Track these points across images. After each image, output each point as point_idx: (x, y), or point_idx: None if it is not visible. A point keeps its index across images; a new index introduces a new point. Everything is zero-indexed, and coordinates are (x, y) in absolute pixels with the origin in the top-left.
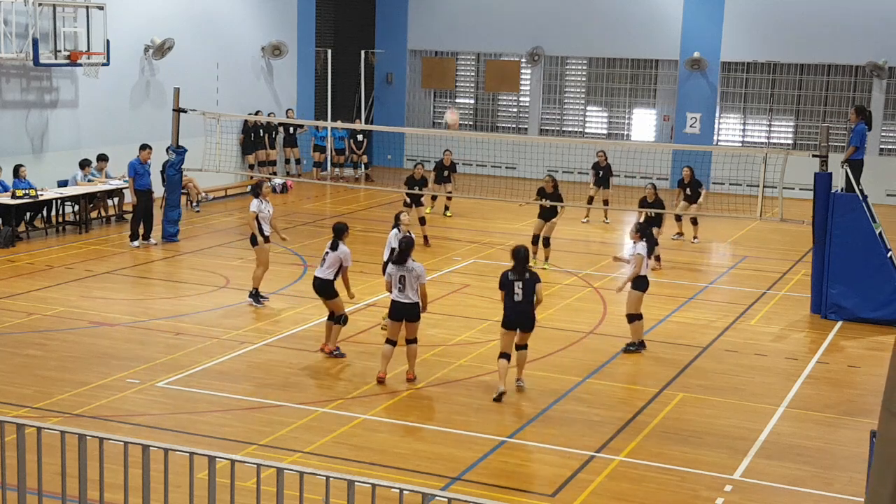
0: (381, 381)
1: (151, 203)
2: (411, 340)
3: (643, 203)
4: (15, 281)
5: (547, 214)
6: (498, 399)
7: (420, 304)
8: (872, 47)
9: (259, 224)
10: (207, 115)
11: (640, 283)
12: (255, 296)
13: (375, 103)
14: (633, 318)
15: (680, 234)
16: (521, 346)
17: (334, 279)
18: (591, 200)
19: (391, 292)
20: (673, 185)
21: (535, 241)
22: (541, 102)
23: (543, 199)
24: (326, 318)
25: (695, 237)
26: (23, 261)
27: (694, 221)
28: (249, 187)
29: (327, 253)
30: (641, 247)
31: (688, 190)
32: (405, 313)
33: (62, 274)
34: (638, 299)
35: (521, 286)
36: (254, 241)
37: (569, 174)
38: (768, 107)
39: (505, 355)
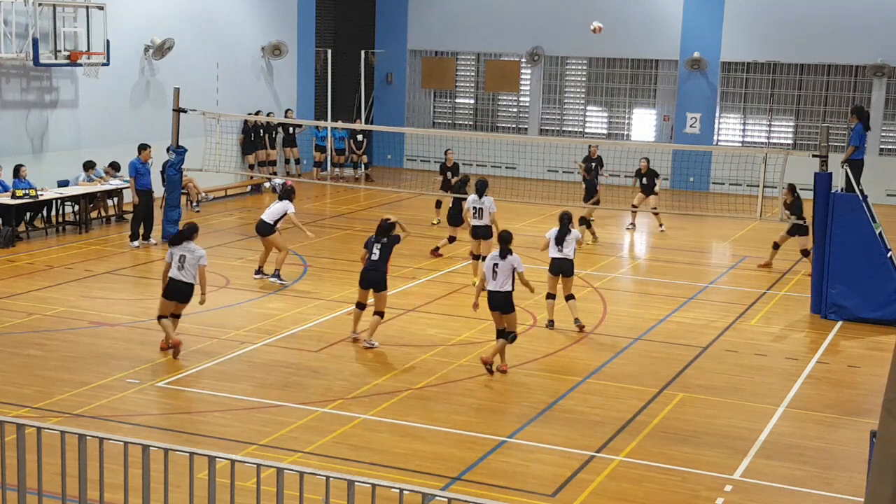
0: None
1: (152, 203)
2: (502, 332)
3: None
4: (15, 281)
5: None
6: (353, 340)
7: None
8: (872, 47)
9: (279, 218)
10: (207, 115)
11: (550, 264)
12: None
13: (375, 103)
14: (548, 295)
15: (633, 224)
16: (378, 312)
17: (513, 290)
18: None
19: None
20: (673, 185)
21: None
22: (541, 102)
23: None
24: (497, 336)
25: (660, 225)
26: (23, 261)
27: (654, 212)
28: (280, 189)
29: (496, 265)
30: (550, 231)
31: (644, 180)
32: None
33: (62, 274)
34: (549, 279)
35: (378, 247)
36: (270, 232)
37: (569, 174)
38: (768, 107)
39: (360, 305)
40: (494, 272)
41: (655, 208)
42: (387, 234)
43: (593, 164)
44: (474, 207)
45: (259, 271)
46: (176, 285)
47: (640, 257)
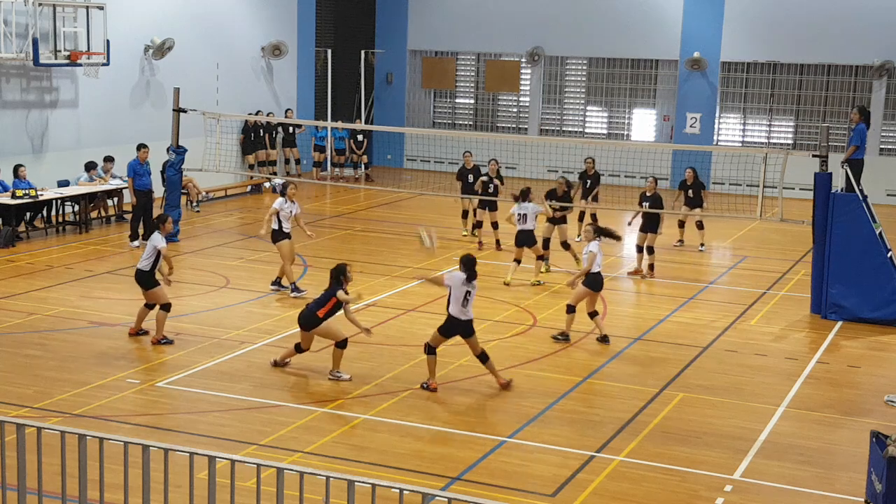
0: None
1: (151, 203)
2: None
3: (642, 198)
4: (15, 281)
5: (557, 219)
6: (273, 365)
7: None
8: (872, 47)
9: (279, 220)
10: (207, 115)
11: (591, 280)
12: (295, 289)
13: (375, 103)
14: (570, 308)
15: (681, 241)
16: (338, 345)
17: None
18: (581, 216)
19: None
20: (673, 185)
21: (546, 245)
22: (541, 102)
23: (551, 202)
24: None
25: (701, 244)
26: (23, 261)
27: (700, 226)
28: (276, 187)
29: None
30: (594, 245)
31: (690, 192)
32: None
33: (62, 274)
34: (583, 293)
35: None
36: (274, 238)
37: (569, 174)
38: (768, 107)
39: (299, 348)
40: (466, 299)
41: (700, 222)
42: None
43: (588, 183)
44: (519, 214)
45: (276, 282)
46: (136, 273)
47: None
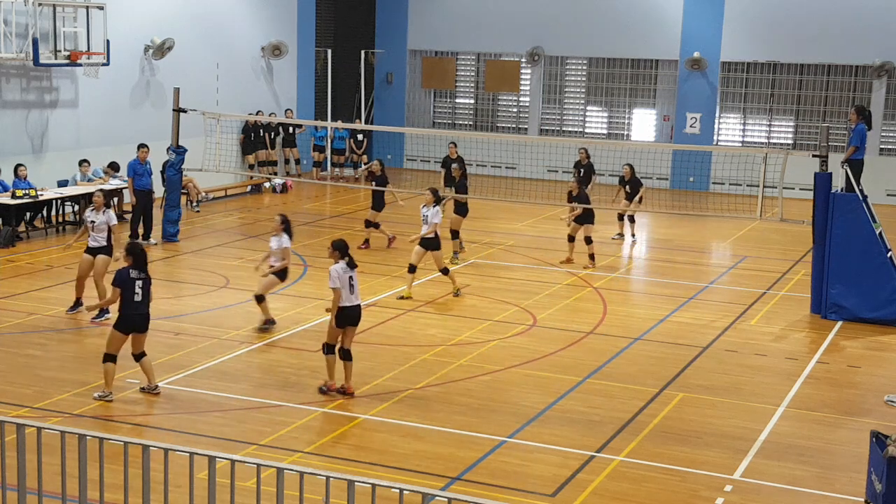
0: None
1: (151, 203)
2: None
3: (570, 197)
4: (15, 281)
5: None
6: (104, 398)
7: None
8: (872, 47)
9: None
10: (207, 115)
11: (282, 273)
12: (74, 306)
13: (375, 103)
14: (260, 299)
15: (620, 234)
16: (140, 355)
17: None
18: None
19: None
20: (673, 185)
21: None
22: (541, 102)
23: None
24: None
25: (633, 235)
26: (23, 261)
27: (631, 219)
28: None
29: (352, 277)
30: (285, 239)
31: (627, 188)
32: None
33: (62, 274)
34: (271, 283)
35: (141, 285)
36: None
37: (568, 174)
38: (768, 107)
39: (113, 357)
40: (352, 285)
41: (632, 216)
42: (146, 264)
43: (581, 172)
44: (424, 215)
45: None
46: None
47: (640, 257)
